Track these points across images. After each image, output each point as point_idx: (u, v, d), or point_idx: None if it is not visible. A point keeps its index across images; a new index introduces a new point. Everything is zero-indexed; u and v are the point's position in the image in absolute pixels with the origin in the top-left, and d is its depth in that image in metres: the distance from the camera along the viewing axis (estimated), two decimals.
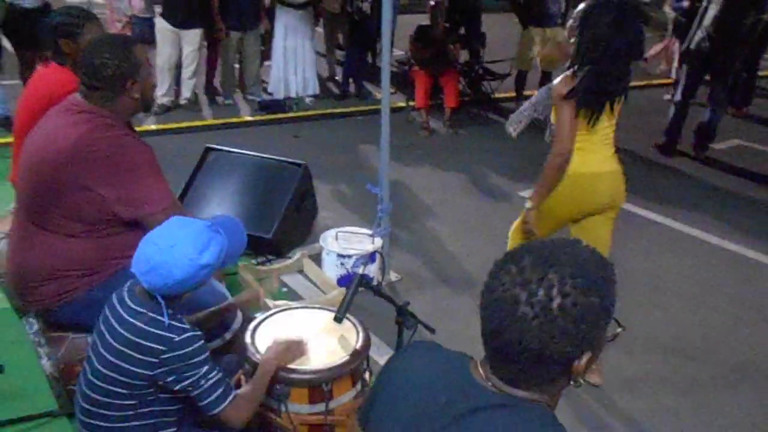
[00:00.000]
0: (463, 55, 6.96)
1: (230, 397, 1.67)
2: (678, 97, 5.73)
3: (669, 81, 7.71)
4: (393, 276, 3.63)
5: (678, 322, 3.41)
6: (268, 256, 3.67)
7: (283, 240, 3.66)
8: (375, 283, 3.40)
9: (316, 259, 3.60)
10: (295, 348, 1.94)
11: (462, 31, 6.97)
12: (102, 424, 1.63)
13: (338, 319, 2.05)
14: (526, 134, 3.31)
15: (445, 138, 6.20)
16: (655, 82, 8.13)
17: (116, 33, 5.60)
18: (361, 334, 2.12)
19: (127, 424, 1.64)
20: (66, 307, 2.11)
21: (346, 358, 2.01)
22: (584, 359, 0.99)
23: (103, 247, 2.11)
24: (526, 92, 6.70)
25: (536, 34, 6.34)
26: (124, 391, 1.60)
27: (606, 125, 2.59)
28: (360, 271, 3.39)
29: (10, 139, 3.78)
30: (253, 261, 3.60)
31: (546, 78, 6.55)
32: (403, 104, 6.60)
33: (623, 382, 2.92)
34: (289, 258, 3.66)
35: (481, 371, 1.06)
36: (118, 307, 1.64)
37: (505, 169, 5.40)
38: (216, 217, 1.86)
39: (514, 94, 6.89)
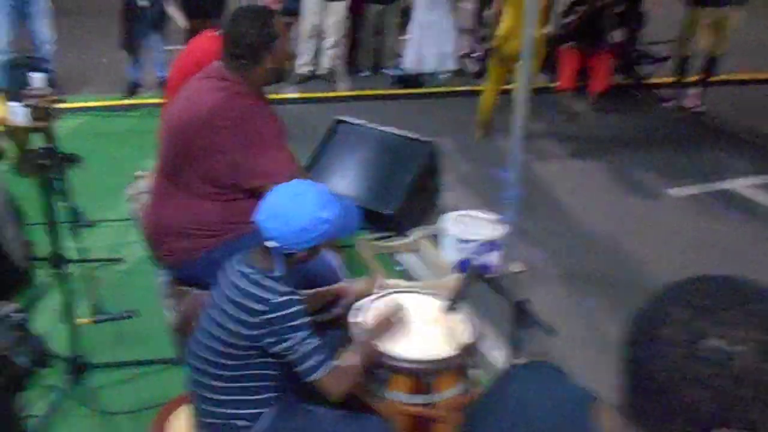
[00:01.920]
0: (620, 35, 6.42)
1: (328, 367, 1.66)
2: None
3: None
4: (514, 267, 3.45)
5: None
6: (387, 232, 3.63)
7: (404, 218, 3.60)
8: (494, 272, 3.24)
9: (435, 240, 3.51)
10: (394, 325, 1.93)
11: (620, 8, 6.42)
12: (210, 382, 1.68)
13: (450, 310, 1.96)
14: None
15: (588, 124, 5.79)
16: None
17: (260, 5, 5.79)
18: (472, 329, 2.01)
19: (232, 384, 1.67)
20: (189, 265, 2.20)
21: (454, 352, 1.91)
22: None
23: (228, 211, 2.17)
24: (688, 79, 6.08)
25: (703, 15, 5.67)
26: (230, 351, 1.63)
27: None
28: (479, 257, 3.25)
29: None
30: (371, 236, 3.58)
31: (711, 64, 5.89)
32: (544, 84, 6.22)
33: None
34: (407, 237, 3.59)
35: (605, 419, 0.87)
36: (228, 271, 1.68)
37: (655, 162, 4.94)
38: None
39: (672, 79, 6.25)
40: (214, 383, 1.67)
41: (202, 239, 2.17)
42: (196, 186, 2.14)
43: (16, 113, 3.81)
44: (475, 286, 2.02)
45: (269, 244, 1.62)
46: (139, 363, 2.54)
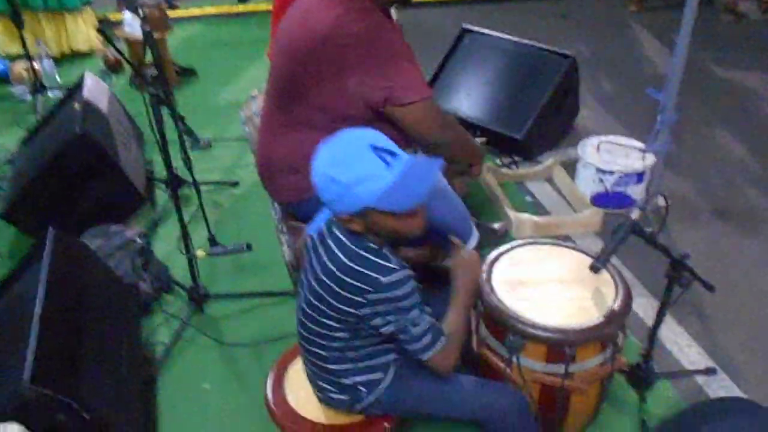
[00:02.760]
0: None
1: (439, 345, 1.47)
2: None
3: None
4: (660, 201, 3.03)
5: None
6: (515, 157, 3.30)
7: (535, 142, 3.25)
8: (640, 207, 2.84)
9: (569, 168, 3.14)
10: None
11: None
12: (320, 351, 1.55)
13: (595, 269, 1.68)
14: None
15: (759, 28, 4.90)
16: None
17: None
18: (620, 291, 1.73)
19: (342, 354, 1.53)
20: (303, 204, 2.04)
21: (600, 320, 1.65)
22: None
23: None
24: None
25: None
26: (334, 324, 1.47)
27: None
28: (621, 190, 2.87)
29: None
30: (497, 162, 3.27)
31: None
32: None
33: None
34: (539, 163, 3.25)
35: None
36: (325, 231, 1.47)
37: None
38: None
39: None
40: (325, 353, 1.53)
41: None
42: (310, 116, 1.92)
43: (131, 25, 3.75)
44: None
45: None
46: (257, 294, 2.49)
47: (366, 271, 1.37)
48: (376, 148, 1.32)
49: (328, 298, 1.43)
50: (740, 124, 3.71)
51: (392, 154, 1.33)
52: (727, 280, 2.49)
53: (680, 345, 2.28)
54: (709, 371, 2.15)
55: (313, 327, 1.50)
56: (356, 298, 1.39)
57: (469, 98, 3.34)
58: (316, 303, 1.46)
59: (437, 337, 1.46)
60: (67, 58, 4.39)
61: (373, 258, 1.39)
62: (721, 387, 2.11)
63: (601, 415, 1.90)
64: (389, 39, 1.83)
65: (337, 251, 1.41)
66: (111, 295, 2.17)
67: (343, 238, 1.42)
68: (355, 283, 1.38)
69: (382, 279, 1.37)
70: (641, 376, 2.05)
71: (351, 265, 1.39)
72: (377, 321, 1.42)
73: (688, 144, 3.48)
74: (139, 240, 2.54)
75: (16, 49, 3.95)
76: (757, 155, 3.42)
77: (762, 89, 4.07)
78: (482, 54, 3.43)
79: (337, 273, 1.40)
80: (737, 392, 2.09)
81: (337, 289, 1.40)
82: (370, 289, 1.37)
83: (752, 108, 3.88)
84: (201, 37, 4.90)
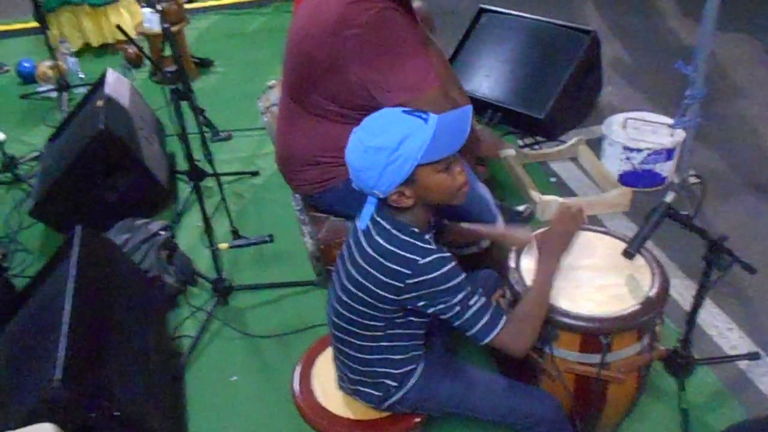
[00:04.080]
0: None
1: (501, 323, 1.43)
2: None
3: None
4: (691, 178, 2.95)
5: None
6: (538, 137, 3.23)
7: (558, 121, 3.17)
8: (675, 189, 2.77)
9: (595, 146, 3.06)
10: (575, 221, 1.63)
11: None
12: (353, 341, 1.53)
13: (629, 255, 1.62)
14: None
15: None
16: None
17: None
18: (657, 278, 1.66)
19: (376, 344, 1.51)
20: (325, 194, 2.02)
21: (636, 307, 1.59)
22: None
23: None
24: None
25: None
26: (371, 312, 1.45)
27: None
28: (650, 168, 2.80)
29: None
30: (519, 143, 3.20)
31: None
32: None
33: None
34: (562, 142, 3.17)
35: None
36: (370, 224, 1.44)
37: None
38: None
39: None
40: (358, 342, 1.51)
41: (333, 168, 1.95)
42: (322, 106, 1.89)
43: (150, 20, 3.73)
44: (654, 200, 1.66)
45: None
46: (281, 285, 2.48)
47: (405, 254, 1.37)
48: (407, 111, 1.35)
49: (368, 284, 1.41)
50: None
51: (423, 111, 1.36)
52: (766, 258, 2.41)
53: (720, 329, 2.21)
54: (751, 356, 2.06)
55: (348, 315, 1.48)
56: (396, 284, 1.37)
57: (488, 79, 3.27)
58: (354, 290, 1.44)
59: (497, 317, 1.42)
60: (89, 54, 4.40)
61: (413, 241, 1.38)
62: (766, 373, 2.04)
63: (639, 405, 1.85)
64: (396, 27, 1.76)
65: (378, 238, 1.40)
66: (137, 290, 2.17)
67: (388, 226, 1.40)
68: (395, 266, 1.37)
69: (420, 260, 1.36)
70: (680, 363, 1.99)
71: (391, 248, 1.38)
72: (421, 304, 1.40)
73: (717, 117, 3.37)
74: (163, 233, 2.54)
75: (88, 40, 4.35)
76: None
77: None
78: (500, 33, 3.34)
79: (378, 258, 1.39)
80: None
81: (377, 274, 1.39)
82: (408, 272, 1.36)
83: None
84: (217, 29, 4.87)
